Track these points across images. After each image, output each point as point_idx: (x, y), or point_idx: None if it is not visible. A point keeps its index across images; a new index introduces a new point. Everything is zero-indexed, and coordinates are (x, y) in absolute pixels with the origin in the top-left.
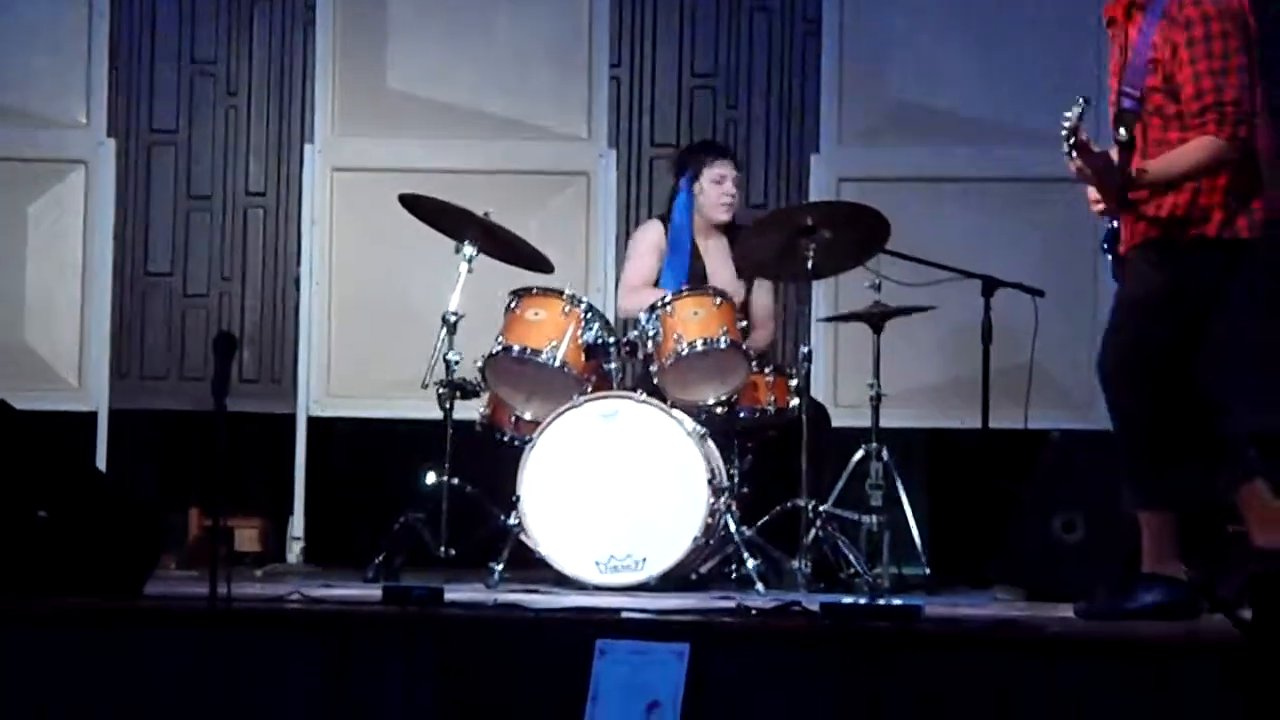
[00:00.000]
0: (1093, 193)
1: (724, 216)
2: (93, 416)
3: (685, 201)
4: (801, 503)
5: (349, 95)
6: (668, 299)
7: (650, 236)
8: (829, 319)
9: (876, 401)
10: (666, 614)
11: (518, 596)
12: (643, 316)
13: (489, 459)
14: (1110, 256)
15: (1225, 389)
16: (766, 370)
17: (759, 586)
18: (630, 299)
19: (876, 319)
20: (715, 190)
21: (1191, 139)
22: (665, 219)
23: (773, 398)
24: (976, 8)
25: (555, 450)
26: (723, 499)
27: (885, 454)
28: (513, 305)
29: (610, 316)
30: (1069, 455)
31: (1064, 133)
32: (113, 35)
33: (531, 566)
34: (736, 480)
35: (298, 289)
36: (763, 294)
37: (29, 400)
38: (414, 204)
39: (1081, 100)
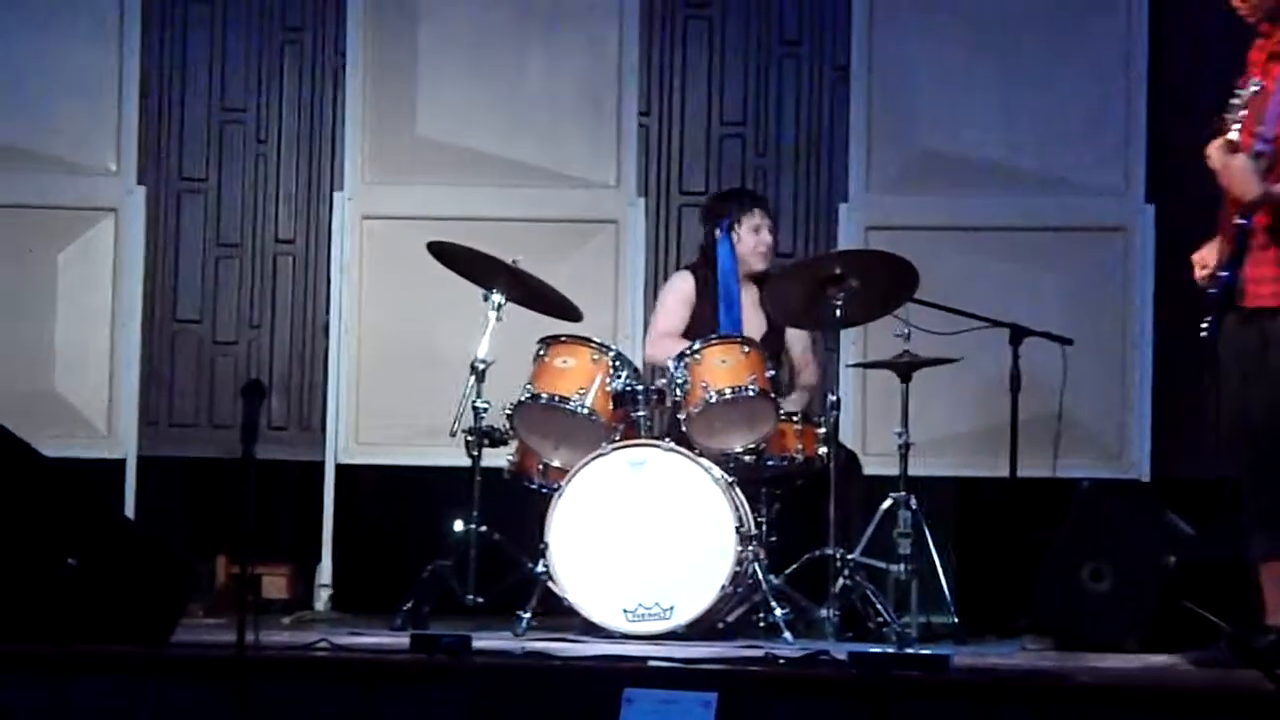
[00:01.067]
0: (1199, 257)
1: (761, 265)
2: (121, 464)
3: (729, 248)
4: (830, 551)
5: (379, 142)
6: (696, 347)
7: (681, 288)
8: (857, 365)
9: (905, 450)
10: (694, 663)
11: (545, 645)
12: (671, 364)
13: (517, 507)
14: (1214, 309)
15: None
16: (795, 418)
17: (787, 635)
18: (656, 347)
19: (905, 368)
20: (752, 239)
21: None
22: (695, 270)
23: (801, 446)
24: (1005, 58)
25: (583, 498)
26: (751, 547)
27: (914, 503)
28: (541, 353)
29: (639, 364)
30: (1098, 505)
31: (1233, 110)
32: (143, 82)
33: (559, 614)
34: (764, 528)
35: (327, 336)
36: (797, 337)
37: (58, 448)
38: (442, 251)
39: (1258, 80)
